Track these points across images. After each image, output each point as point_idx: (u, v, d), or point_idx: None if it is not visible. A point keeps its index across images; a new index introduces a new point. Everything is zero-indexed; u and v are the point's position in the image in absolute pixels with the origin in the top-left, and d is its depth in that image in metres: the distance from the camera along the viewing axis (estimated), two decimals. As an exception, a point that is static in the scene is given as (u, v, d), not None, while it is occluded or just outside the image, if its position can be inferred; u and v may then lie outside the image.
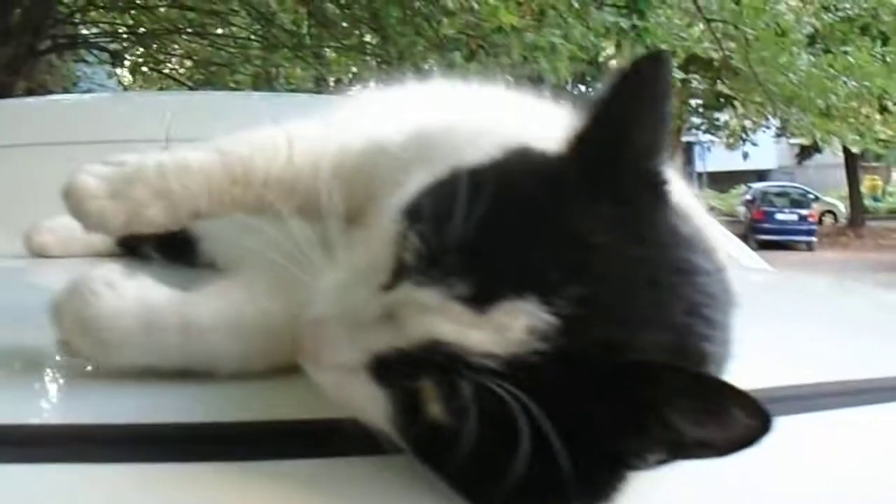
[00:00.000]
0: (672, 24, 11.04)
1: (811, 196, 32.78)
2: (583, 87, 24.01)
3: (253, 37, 12.16)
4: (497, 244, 0.74)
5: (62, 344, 1.00)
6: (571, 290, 0.72)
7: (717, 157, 36.89)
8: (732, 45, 11.64)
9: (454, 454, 0.73)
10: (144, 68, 14.20)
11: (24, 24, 10.77)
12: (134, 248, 1.87)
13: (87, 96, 9.52)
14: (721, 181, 37.84)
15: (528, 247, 0.74)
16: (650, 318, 0.74)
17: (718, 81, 17.85)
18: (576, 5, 9.25)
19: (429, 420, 0.76)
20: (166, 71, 14.19)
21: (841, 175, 34.96)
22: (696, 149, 38.94)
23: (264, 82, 12.68)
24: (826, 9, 12.66)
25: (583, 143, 0.81)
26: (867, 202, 36.07)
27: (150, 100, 5.64)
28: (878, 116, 13.73)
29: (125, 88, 15.14)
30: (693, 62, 15.20)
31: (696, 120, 29.70)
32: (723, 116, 27.69)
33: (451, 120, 1.07)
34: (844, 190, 34.71)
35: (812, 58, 12.21)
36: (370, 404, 0.80)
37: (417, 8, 9.71)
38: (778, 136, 28.95)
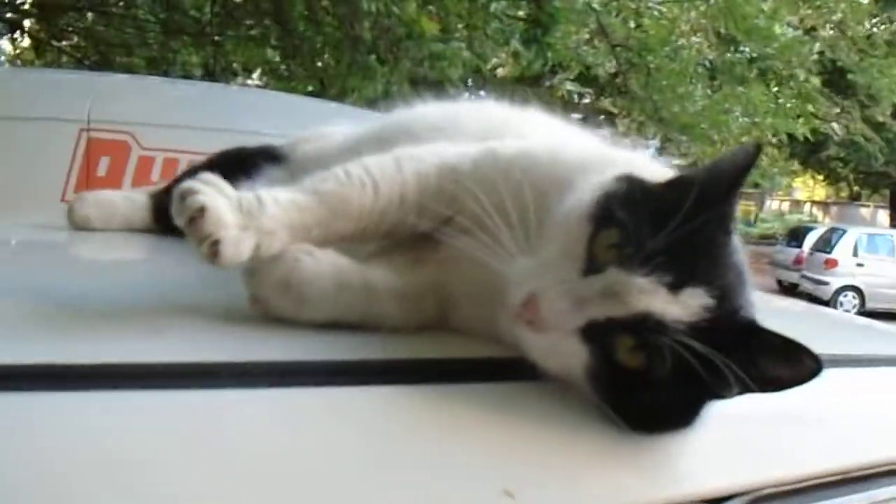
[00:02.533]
0: (570, 38, 11.26)
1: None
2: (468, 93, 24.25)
3: (153, 19, 12.05)
4: (682, 250, 1.06)
5: (253, 301, 1.18)
6: (717, 282, 1.07)
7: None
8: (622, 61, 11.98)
9: (633, 387, 1.05)
10: (26, 42, 13.91)
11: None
12: (171, 227, 1.94)
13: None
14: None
15: (696, 253, 1.08)
16: (742, 299, 1.10)
17: (602, 98, 18.17)
18: (479, 23, 9.43)
19: (620, 365, 1.06)
20: (59, 46, 13.89)
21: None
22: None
23: (160, 67, 12.55)
24: (727, 43, 13.06)
25: (700, 186, 1.10)
26: (740, 227, 36.96)
27: (73, 79, 5.59)
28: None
29: (8, 59, 14.87)
30: (579, 77, 15.46)
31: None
32: (602, 132, 28.05)
33: (571, 147, 1.40)
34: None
35: (709, 91, 12.67)
36: (573, 358, 1.08)
37: (325, 6, 9.75)
38: (657, 156, 29.44)
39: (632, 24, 11.36)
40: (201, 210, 1.10)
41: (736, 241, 1.15)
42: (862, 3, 13.82)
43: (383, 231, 1.31)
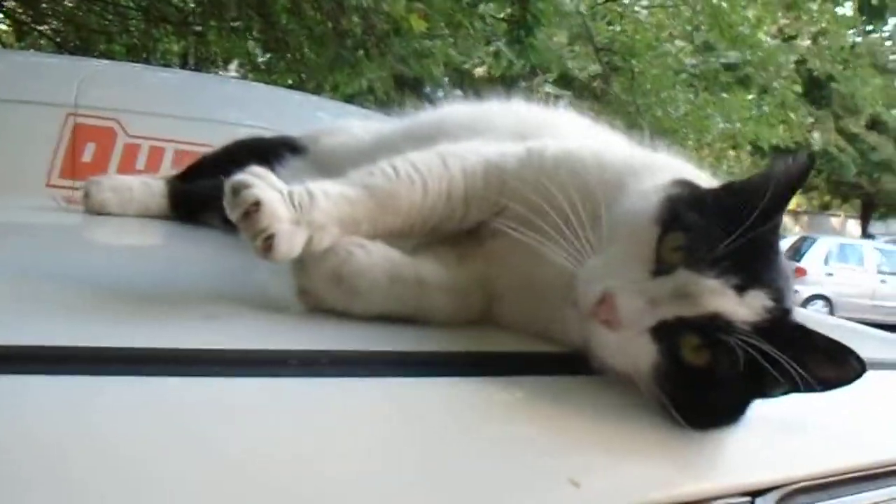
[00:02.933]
0: (552, 41, 11.34)
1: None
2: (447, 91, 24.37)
3: (135, 6, 12.01)
4: (746, 255, 1.12)
5: (302, 294, 1.20)
6: (775, 285, 1.14)
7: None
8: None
9: (697, 385, 1.10)
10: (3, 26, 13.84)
11: None
12: (190, 215, 1.94)
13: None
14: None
15: (758, 258, 1.15)
16: (792, 302, 1.18)
17: (580, 101, 18.29)
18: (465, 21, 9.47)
19: (687, 363, 1.11)
20: (40, 29, 13.81)
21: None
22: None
23: (140, 54, 12.51)
24: (710, 49, 13.22)
25: (752, 195, 1.16)
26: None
27: (62, 63, 5.59)
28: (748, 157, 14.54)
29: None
30: (559, 80, 15.53)
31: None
32: None
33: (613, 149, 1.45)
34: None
35: (692, 97, 12.78)
36: (643, 356, 1.13)
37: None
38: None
39: (617, 28, 11.44)
40: (256, 204, 1.11)
41: (782, 247, 1.21)
42: (846, 14, 13.99)
43: (430, 226, 1.34)
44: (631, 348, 1.13)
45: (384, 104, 10.69)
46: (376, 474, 0.87)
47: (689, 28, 12.64)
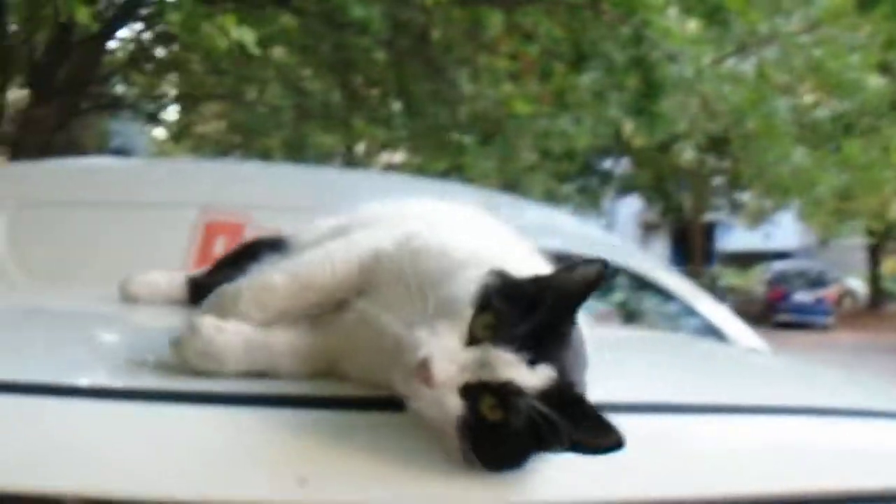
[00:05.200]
0: (679, 107, 11.30)
1: (830, 276, 32.44)
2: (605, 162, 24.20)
3: (284, 104, 12.72)
4: (539, 336, 1.41)
5: (181, 361, 1.55)
6: (562, 362, 1.38)
7: (739, 237, 37.18)
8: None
9: (490, 436, 1.38)
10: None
11: (69, 83, 11.36)
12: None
13: (128, 161, 9.91)
14: (742, 261, 37.81)
15: (548, 339, 1.41)
16: (578, 377, 1.41)
17: (722, 162, 18.02)
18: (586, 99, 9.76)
19: (484, 418, 1.39)
20: (200, 132, 14.57)
21: (864, 256, 35.80)
22: (718, 228, 39.94)
23: (295, 149, 13.01)
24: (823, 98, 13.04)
25: (550, 289, 1.46)
26: (889, 284, 36.59)
27: (193, 168, 6.08)
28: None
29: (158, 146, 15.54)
30: (709, 144, 15.44)
31: (717, 200, 29.96)
32: (744, 196, 27.69)
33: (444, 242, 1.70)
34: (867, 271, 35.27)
35: (808, 149, 12.51)
36: (451, 410, 1.40)
37: (436, 91, 10.14)
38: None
39: (727, 88, 11.31)
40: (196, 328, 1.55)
41: (580, 330, 1.48)
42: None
43: (336, 302, 1.67)
44: (442, 403, 1.41)
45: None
46: (230, 477, 1.25)
47: (792, 80, 12.51)
